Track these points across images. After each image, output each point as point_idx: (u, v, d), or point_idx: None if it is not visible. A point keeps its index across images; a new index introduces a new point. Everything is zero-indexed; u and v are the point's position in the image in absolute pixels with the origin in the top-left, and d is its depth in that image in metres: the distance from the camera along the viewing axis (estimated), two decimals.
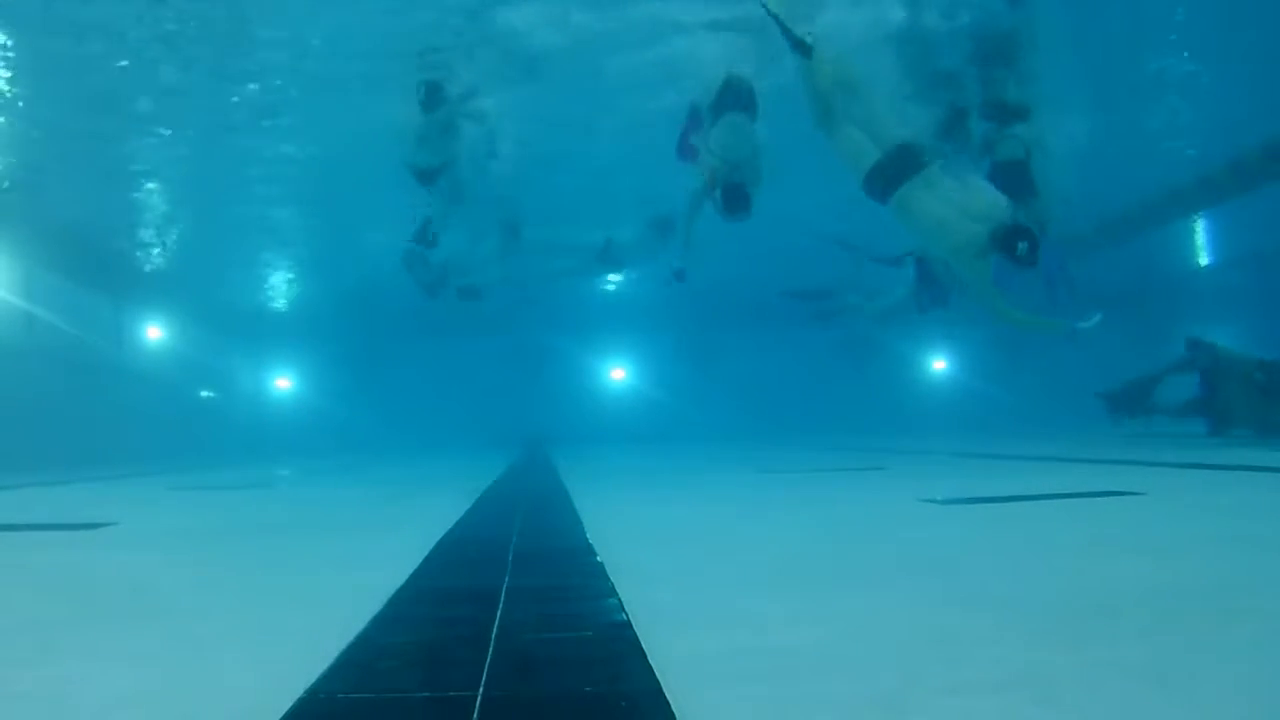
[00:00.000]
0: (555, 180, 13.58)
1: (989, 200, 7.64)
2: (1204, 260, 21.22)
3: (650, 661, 1.84)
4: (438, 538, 3.87)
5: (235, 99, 10.45)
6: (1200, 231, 18.79)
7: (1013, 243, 7.27)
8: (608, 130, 11.80)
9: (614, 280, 20.75)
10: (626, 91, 10.72)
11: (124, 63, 9.35)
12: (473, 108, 10.16)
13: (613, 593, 2.59)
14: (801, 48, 7.97)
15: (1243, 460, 7.35)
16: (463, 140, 10.78)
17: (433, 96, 9.68)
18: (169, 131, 11.40)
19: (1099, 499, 4.93)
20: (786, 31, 7.90)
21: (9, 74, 9.54)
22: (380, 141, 10.84)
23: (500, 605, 2.43)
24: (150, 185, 13.64)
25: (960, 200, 7.68)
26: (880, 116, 8.20)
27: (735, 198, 8.70)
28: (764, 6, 7.86)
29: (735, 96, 9.08)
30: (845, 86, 8.18)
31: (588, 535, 3.90)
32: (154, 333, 19.52)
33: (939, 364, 25.99)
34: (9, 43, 8.92)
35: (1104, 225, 16.09)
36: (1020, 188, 9.10)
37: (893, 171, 7.90)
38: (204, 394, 21.49)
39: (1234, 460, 7.45)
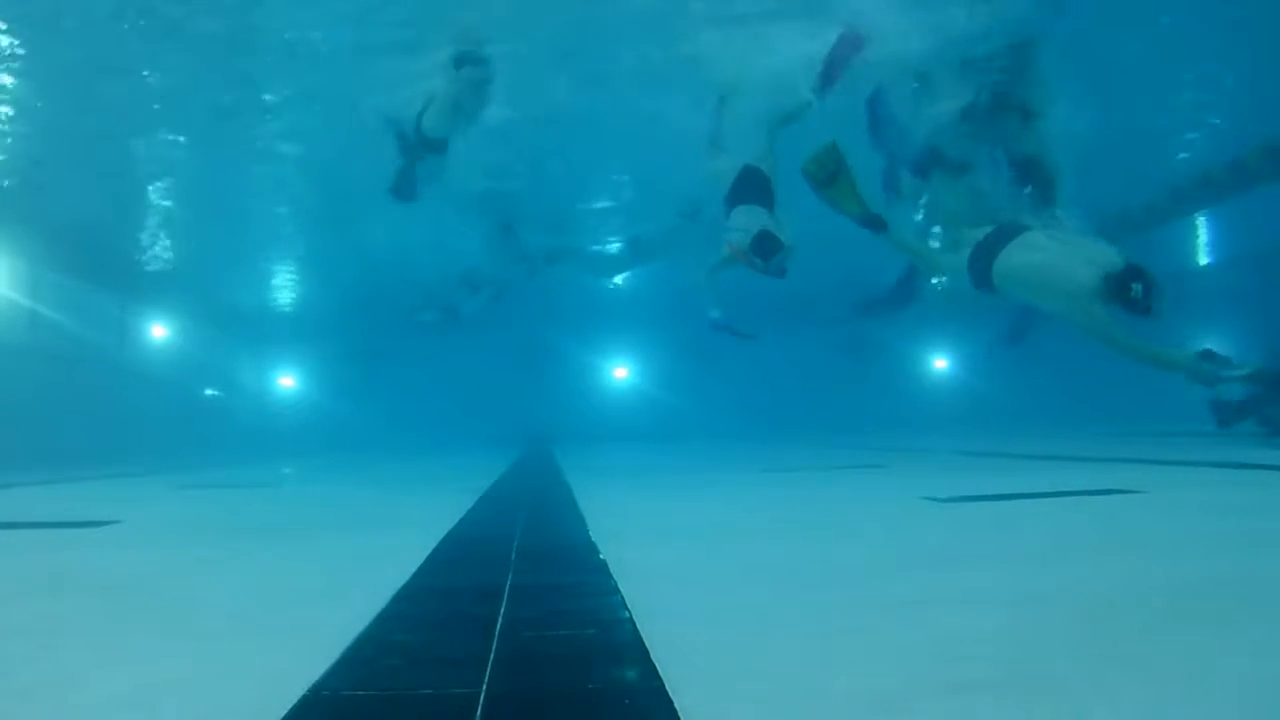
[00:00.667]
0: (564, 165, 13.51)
1: (1096, 247, 7.20)
2: (1204, 259, 21.16)
3: (653, 659, 1.85)
4: (441, 535, 3.89)
5: (239, 94, 10.44)
6: (1201, 230, 18.73)
7: (1126, 285, 6.72)
8: (619, 122, 11.72)
9: (618, 279, 20.75)
10: (637, 84, 10.65)
11: (128, 60, 9.36)
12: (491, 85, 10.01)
13: (616, 590, 2.60)
14: (876, 225, 7.70)
15: (1244, 459, 7.35)
16: (479, 115, 10.60)
17: (464, 65, 9.53)
18: (172, 129, 11.41)
19: (1099, 497, 4.93)
20: (861, 219, 7.71)
21: (14, 74, 9.55)
22: (385, 136, 10.77)
23: (504, 602, 2.44)
24: (155, 184, 13.64)
25: (1063, 249, 7.25)
26: (968, 221, 7.93)
27: (767, 244, 8.25)
28: (831, 205, 7.63)
29: (750, 187, 8.70)
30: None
31: (590, 533, 3.92)
32: (158, 331, 19.57)
33: (940, 363, 26.00)
34: (15, 43, 8.93)
35: (1105, 223, 16.02)
36: (1035, 181, 9.01)
37: (985, 250, 7.55)
38: (208, 392, 21.54)
39: (1236, 459, 7.45)
